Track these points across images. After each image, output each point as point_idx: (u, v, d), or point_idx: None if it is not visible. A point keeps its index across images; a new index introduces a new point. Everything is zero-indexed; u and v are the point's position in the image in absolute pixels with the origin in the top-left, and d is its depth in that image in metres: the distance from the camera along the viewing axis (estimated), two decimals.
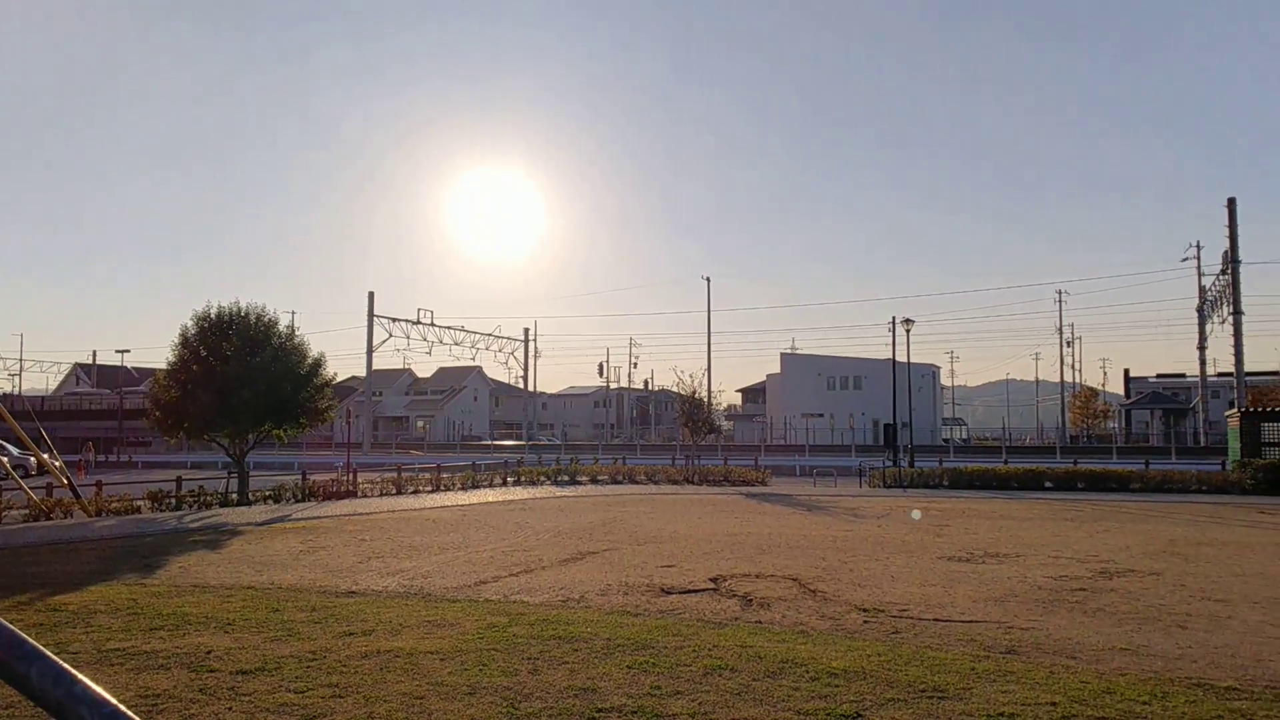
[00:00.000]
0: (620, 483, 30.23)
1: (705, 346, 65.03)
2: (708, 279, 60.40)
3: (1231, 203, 43.64)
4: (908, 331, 36.74)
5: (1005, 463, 33.62)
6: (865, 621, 8.33)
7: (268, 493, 22.93)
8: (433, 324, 60.60)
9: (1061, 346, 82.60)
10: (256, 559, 12.67)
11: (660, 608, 8.98)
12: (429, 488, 26.87)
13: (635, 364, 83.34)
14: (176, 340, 23.43)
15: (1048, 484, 27.78)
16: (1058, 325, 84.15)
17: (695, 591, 9.94)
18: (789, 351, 75.36)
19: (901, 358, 38.63)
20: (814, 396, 67.35)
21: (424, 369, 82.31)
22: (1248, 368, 47.43)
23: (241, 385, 21.98)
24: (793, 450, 50.08)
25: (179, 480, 22.57)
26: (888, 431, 37.71)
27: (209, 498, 21.77)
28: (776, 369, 73.26)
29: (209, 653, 6.99)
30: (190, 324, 23.51)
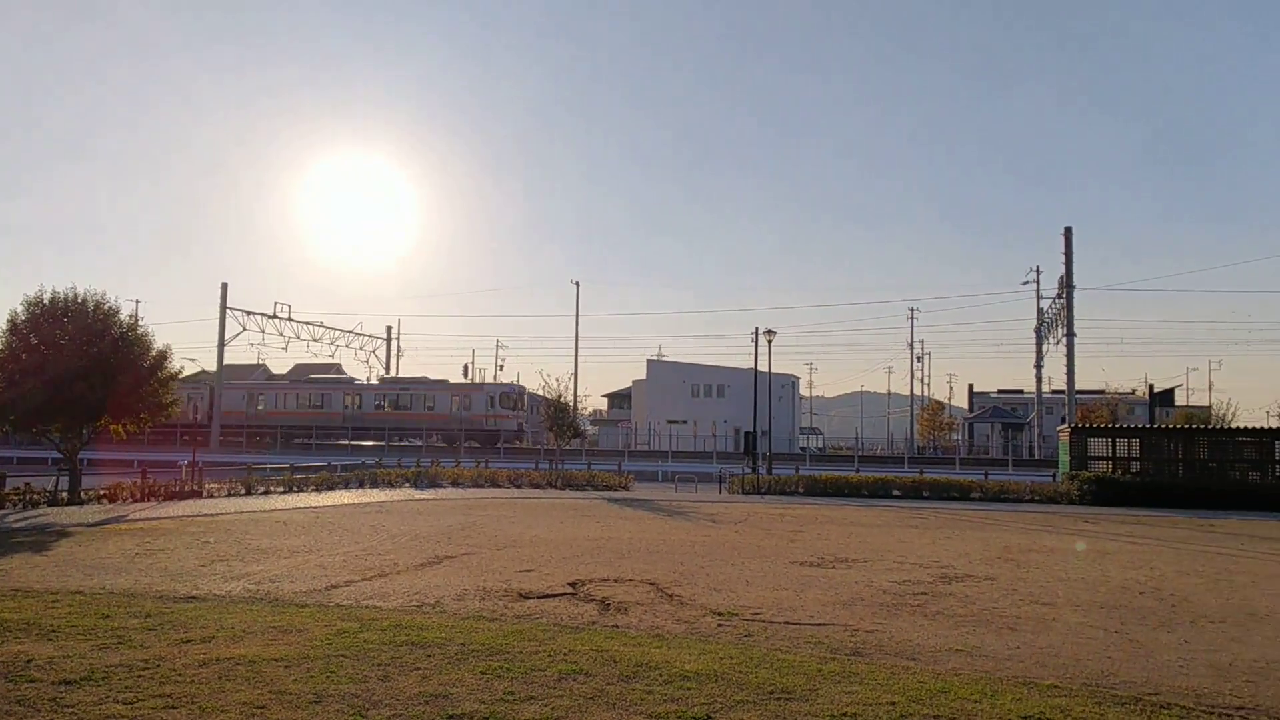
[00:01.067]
0: (483, 486, 29.87)
1: (572, 351, 65.00)
2: (577, 283, 60.44)
3: (1068, 232, 46.65)
4: (769, 343, 37.72)
5: (857, 471, 34.91)
6: (720, 625, 8.48)
7: (102, 491, 21.60)
8: (290, 319, 58.44)
9: (912, 361, 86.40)
10: (86, 562, 11.91)
11: (517, 612, 8.91)
12: (281, 489, 25.89)
13: (501, 366, 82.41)
14: (4, 327, 21.84)
15: (896, 492, 28.99)
16: (909, 341, 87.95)
17: (553, 596, 9.91)
18: (655, 359, 76.12)
19: (763, 368, 39.62)
20: (678, 403, 68.29)
21: (280, 365, 79.31)
22: (1078, 386, 50.76)
23: (76, 377, 20.65)
24: (656, 456, 50.60)
25: (2, 477, 21.00)
26: (748, 439, 38.56)
27: (35, 496, 20.36)
28: (643, 375, 73.91)
29: (29, 662, 6.53)
30: (20, 310, 21.96)
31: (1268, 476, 28.58)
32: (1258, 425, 40.29)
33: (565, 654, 7.00)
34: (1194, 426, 36.12)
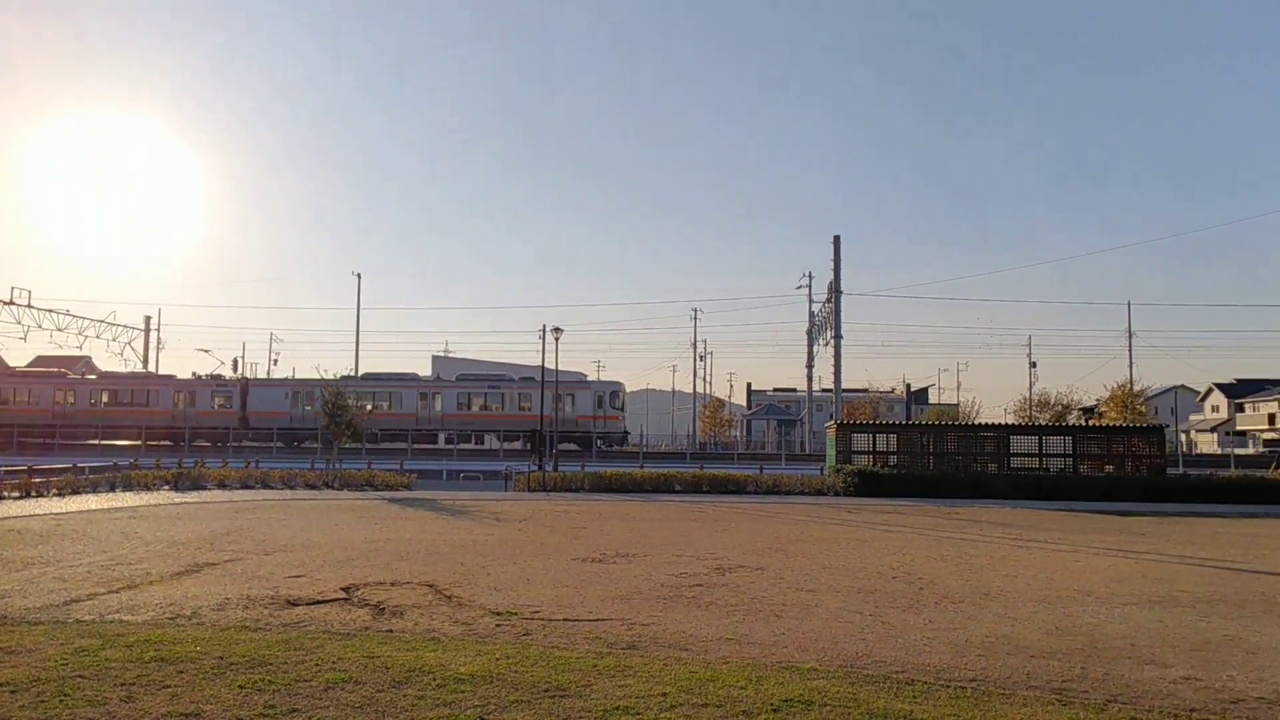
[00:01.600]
0: (253, 487, 28.20)
1: (354, 344, 62.64)
2: (358, 275, 58.30)
3: (837, 240, 49.69)
4: (557, 339, 37.87)
5: (641, 467, 35.67)
6: (498, 625, 8.41)
7: None
8: (30, 305, 52.97)
9: (695, 361, 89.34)
10: None
11: (284, 621, 8.46)
12: (16, 493, 23.40)
13: (276, 360, 78.20)
14: None
15: (678, 487, 29.86)
16: (693, 341, 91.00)
17: (324, 602, 9.49)
18: (441, 354, 74.75)
19: (551, 365, 39.70)
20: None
21: (19, 357, 71.72)
22: (845, 385, 54.18)
23: None
24: (440, 454, 49.63)
25: None
26: (535, 436, 38.55)
27: None
28: (428, 371, 72.34)
29: None
30: None
31: (1003, 467, 31.62)
32: (997, 422, 44.49)
33: (334, 662, 6.72)
34: (944, 423, 39.35)
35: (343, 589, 10.26)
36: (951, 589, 10.84)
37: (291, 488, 28.46)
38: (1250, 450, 60.61)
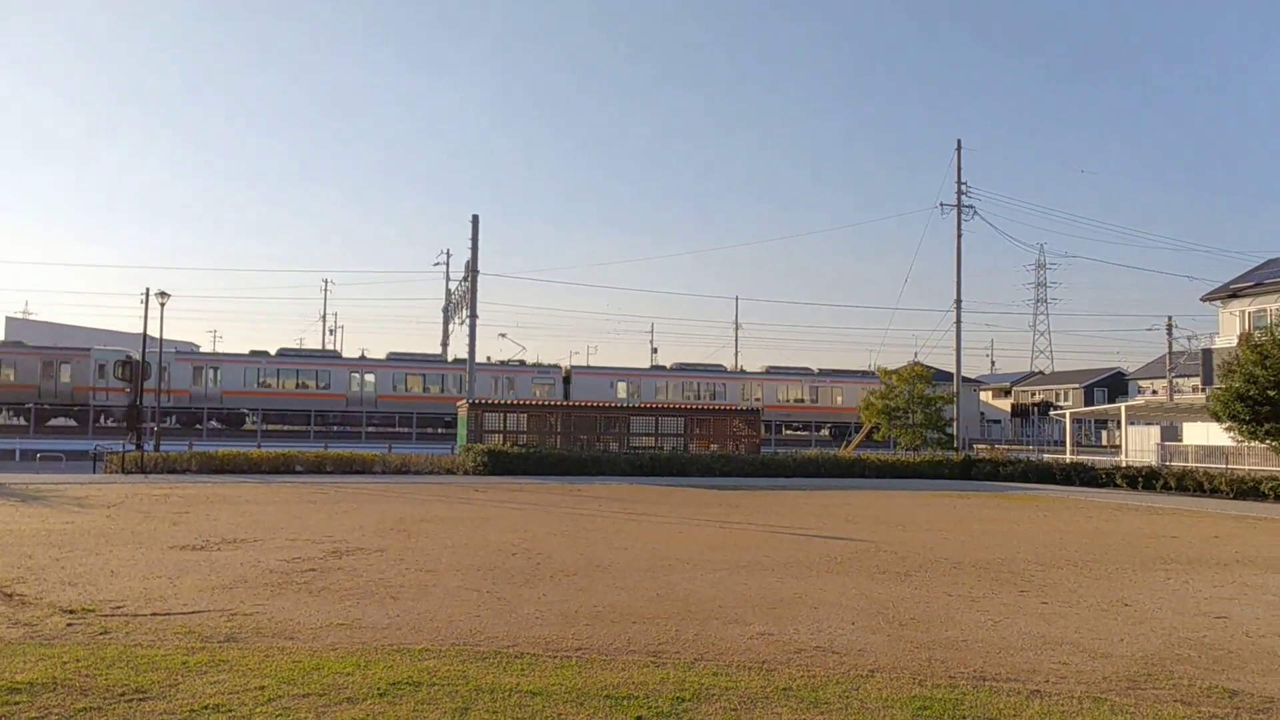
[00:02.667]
0: None
1: None
2: None
3: (475, 219, 49.71)
4: (162, 305, 34.28)
5: (259, 447, 33.44)
6: (70, 624, 7.43)
7: None
8: None
9: (324, 333, 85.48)
10: None
11: None
12: None
13: None
14: None
15: (299, 468, 28.37)
16: (322, 313, 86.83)
17: None
18: (18, 316, 64.89)
19: (155, 333, 35.85)
20: None
21: None
22: (479, 364, 54.61)
23: None
24: (13, 431, 43.06)
25: None
26: (130, 411, 34.68)
27: None
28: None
29: None
30: None
31: (624, 446, 33.59)
32: (619, 404, 47.20)
33: None
34: (569, 403, 40.93)
35: None
36: (567, 563, 11.29)
37: None
38: (827, 433, 69.66)
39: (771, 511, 18.98)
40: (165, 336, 37.18)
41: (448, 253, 59.53)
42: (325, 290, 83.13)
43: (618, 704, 5.55)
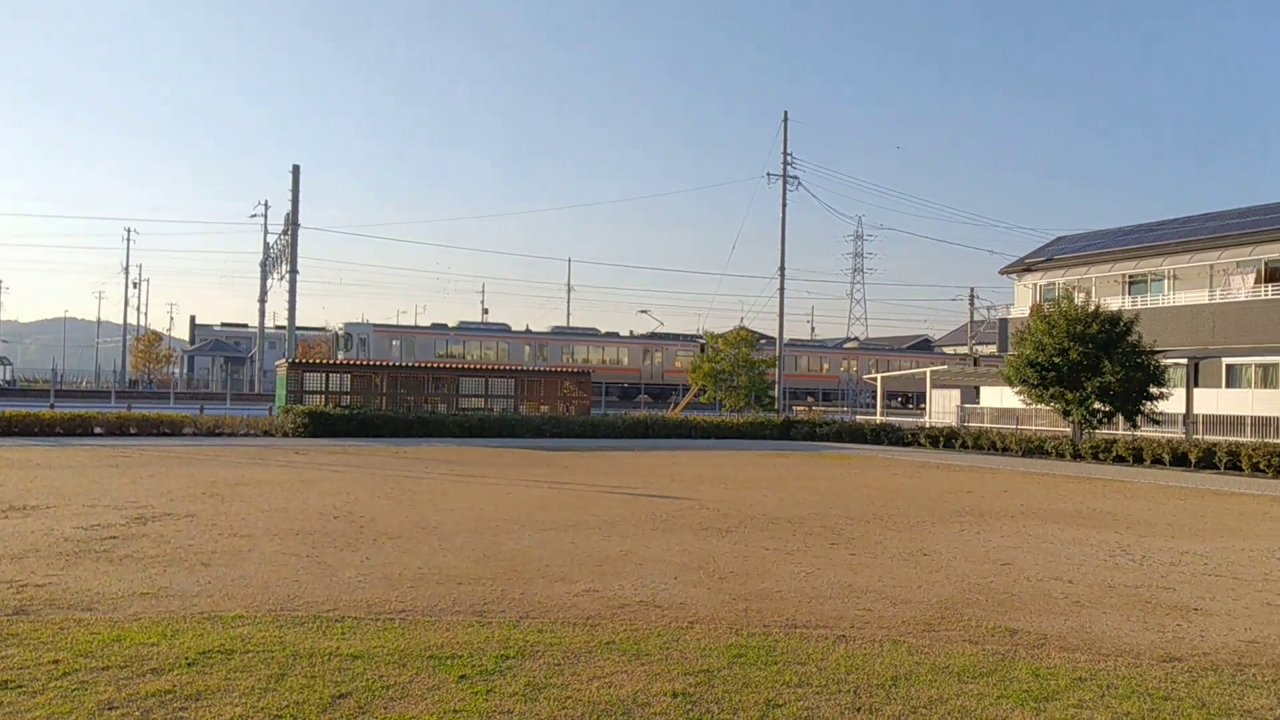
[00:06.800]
0: None
1: None
2: None
3: (296, 170, 47.46)
4: None
5: (53, 407, 30.98)
6: None
7: None
8: None
9: (127, 287, 79.83)
10: None
11: None
12: None
13: None
14: None
15: (99, 430, 26.49)
16: (125, 265, 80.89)
17: None
18: None
19: None
20: None
21: None
22: (302, 323, 52.39)
23: None
24: None
25: None
26: None
27: None
28: None
29: None
30: None
31: (452, 407, 33.14)
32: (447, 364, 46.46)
33: None
34: (395, 363, 39.97)
35: None
36: (391, 525, 11.08)
37: None
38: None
39: (600, 472, 19.23)
40: None
41: (266, 204, 56.65)
42: (128, 240, 77.41)
43: (441, 663, 5.53)
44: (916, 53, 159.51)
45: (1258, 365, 32.91)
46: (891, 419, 38.43)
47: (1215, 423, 30.99)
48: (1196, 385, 32.32)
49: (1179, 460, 23.36)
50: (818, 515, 13.09)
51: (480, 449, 24.99)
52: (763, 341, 45.70)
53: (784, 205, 42.45)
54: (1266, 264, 33.20)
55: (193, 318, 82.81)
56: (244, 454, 21.36)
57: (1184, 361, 31.53)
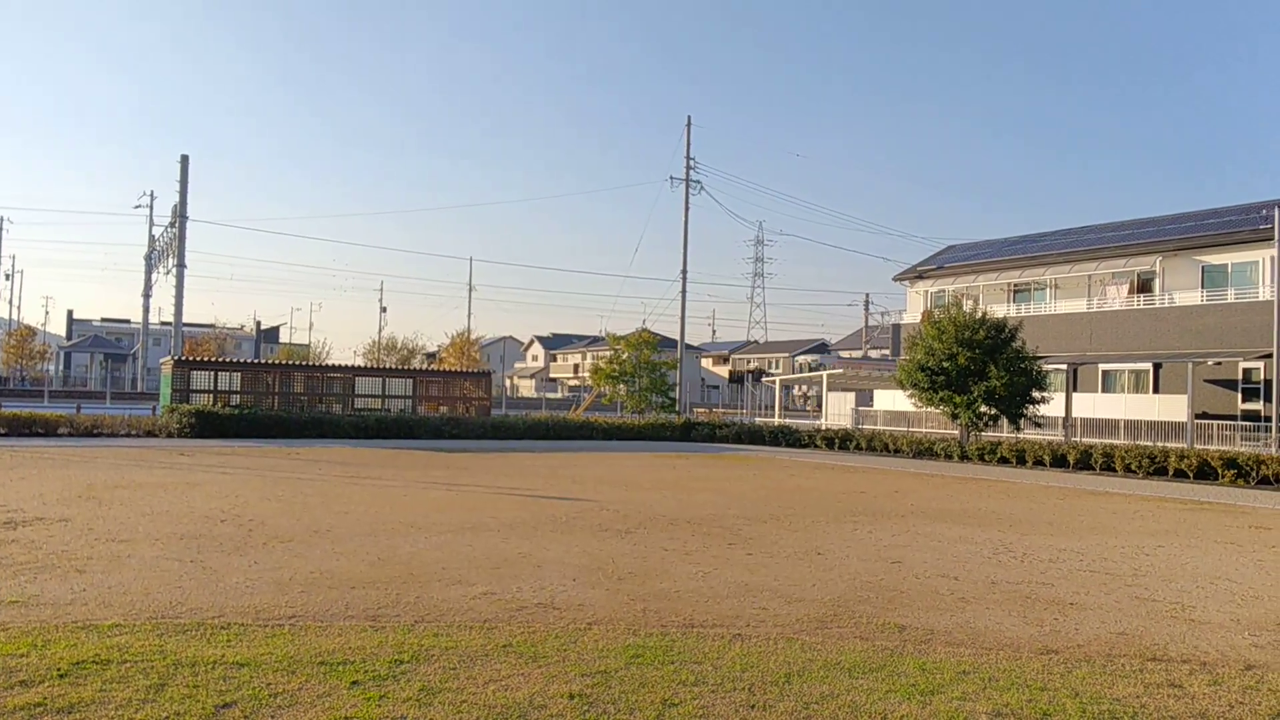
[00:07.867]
0: None
1: None
2: None
3: (184, 160, 45.67)
4: None
5: None
6: None
7: None
8: None
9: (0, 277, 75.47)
10: None
11: None
12: None
13: None
14: None
15: None
16: None
17: None
18: None
19: None
20: None
21: None
22: (189, 319, 50.37)
23: None
24: None
25: None
26: None
27: None
28: None
29: None
30: None
31: (348, 408, 32.39)
32: (347, 363, 45.31)
33: None
34: (292, 362, 38.89)
35: None
36: (282, 529, 10.76)
37: None
38: (559, 395, 70.66)
39: (500, 473, 19.06)
40: None
41: (152, 195, 54.32)
42: (1, 229, 73.24)
43: (333, 670, 5.39)
44: (818, 62, 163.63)
45: (1130, 371, 34.73)
46: (789, 421, 39.19)
47: (1092, 426, 32.58)
48: (1075, 390, 33.88)
49: (1059, 462, 24.44)
50: (716, 516, 13.24)
51: (377, 450, 24.49)
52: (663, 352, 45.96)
53: (687, 209, 42.88)
54: (1139, 275, 35.05)
55: (70, 312, 78.93)
56: (125, 455, 20.45)
57: (1064, 367, 33.03)
